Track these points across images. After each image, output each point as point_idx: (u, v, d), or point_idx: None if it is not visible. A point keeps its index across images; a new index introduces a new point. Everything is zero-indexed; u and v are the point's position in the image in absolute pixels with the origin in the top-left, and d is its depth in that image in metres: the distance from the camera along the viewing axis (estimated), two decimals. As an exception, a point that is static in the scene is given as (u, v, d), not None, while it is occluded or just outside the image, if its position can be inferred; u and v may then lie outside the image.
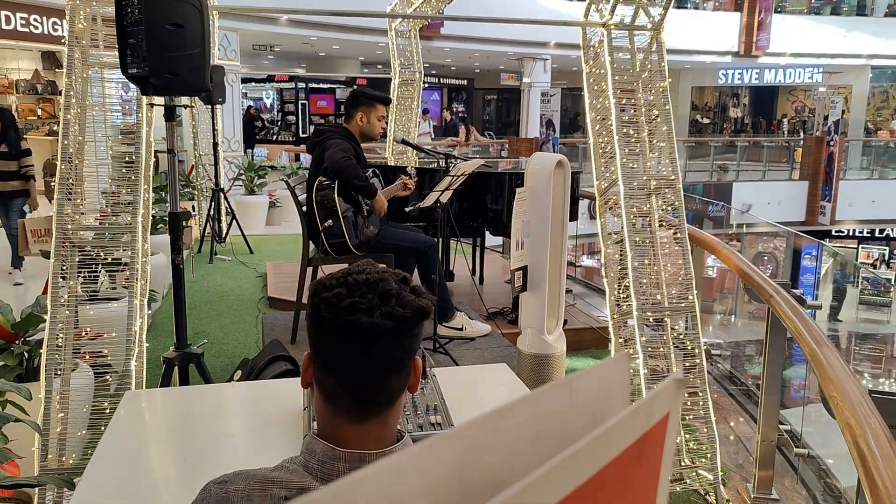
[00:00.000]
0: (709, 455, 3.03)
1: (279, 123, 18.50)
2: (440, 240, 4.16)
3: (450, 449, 0.32)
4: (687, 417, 3.13)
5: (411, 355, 1.05)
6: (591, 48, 3.40)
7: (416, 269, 3.94)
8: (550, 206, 2.84)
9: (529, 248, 2.88)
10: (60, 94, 3.04)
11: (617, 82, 3.25)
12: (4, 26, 9.51)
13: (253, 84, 19.75)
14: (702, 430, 3.07)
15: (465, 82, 23.07)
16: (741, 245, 13.22)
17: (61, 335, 2.54)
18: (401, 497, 0.29)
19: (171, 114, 2.36)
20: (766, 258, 13.18)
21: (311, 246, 3.81)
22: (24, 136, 6.45)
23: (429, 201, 3.62)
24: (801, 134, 21.71)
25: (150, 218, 2.74)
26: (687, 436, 3.07)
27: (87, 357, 2.79)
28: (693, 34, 18.51)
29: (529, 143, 13.58)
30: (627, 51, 3.34)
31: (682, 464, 3.06)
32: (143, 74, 2.18)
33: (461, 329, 3.98)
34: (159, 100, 2.41)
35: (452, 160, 3.95)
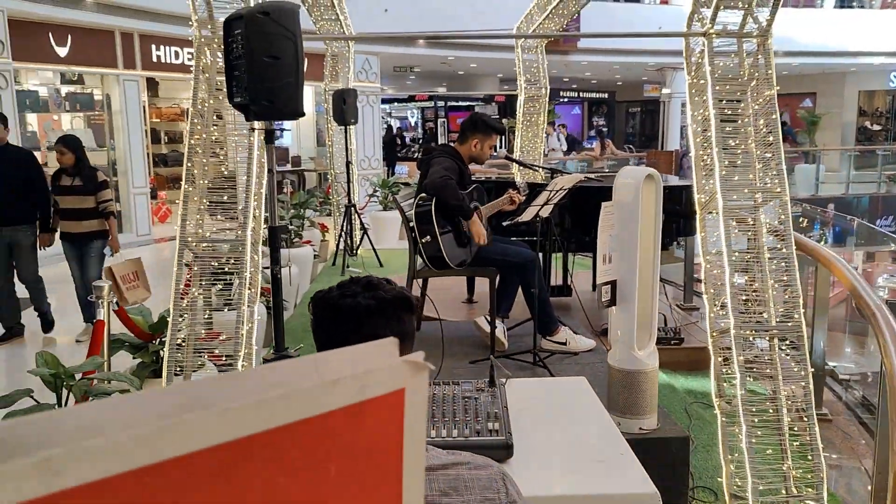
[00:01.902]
0: (815, 484, 2.84)
1: (420, 141, 19.14)
2: (547, 253, 4.19)
3: (187, 390, 0.41)
4: (794, 444, 2.96)
5: (402, 342, 1.18)
6: (694, 58, 3.32)
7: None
8: (640, 220, 2.81)
9: (617, 262, 2.86)
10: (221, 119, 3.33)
11: (719, 92, 3.15)
12: (174, 60, 10.63)
13: (396, 104, 20.59)
14: (808, 457, 2.88)
15: (605, 95, 22.71)
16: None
17: (181, 336, 2.85)
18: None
19: (269, 137, 2.60)
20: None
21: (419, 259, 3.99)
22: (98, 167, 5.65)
23: (528, 216, 3.68)
24: None
25: (261, 231, 3.00)
26: (792, 462, 2.90)
27: (208, 357, 3.10)
28: (859, 35, 17.15)
29: (669, 157, 13.17)
30: (733, 56, 3.24)
31: (788, 492, 2.89)
32: (245, 102, 2.43)
33: (565, 343, 3.99)
34: (260, 124, 2.66)
35: (558, 174, 3.98)
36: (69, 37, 9.20)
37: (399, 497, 0.48)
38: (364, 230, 7.75)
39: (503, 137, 17.79)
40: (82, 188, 5.29)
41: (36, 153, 9.63)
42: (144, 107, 11.06)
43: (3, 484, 0.33)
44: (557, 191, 3.60)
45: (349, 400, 0.43)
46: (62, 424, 0.38)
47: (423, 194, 3.68)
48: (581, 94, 22.18)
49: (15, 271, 5.44)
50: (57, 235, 5.54)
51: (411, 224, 3.79)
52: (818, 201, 13.72)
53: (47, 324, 5.69)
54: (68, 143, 5.37)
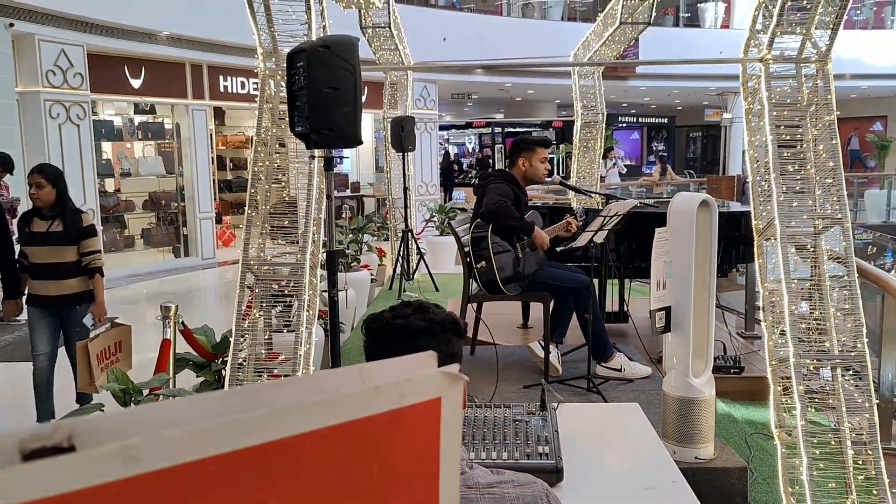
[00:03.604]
0: (881, 521, 2.73)
1: (476, 167, 19.31)
2: (602, 279, 4.18)
3: (246, 392, 0.47)
4: (858, 478, 2.86)
5: (451, 363, 1.23)
6: (751, 84, 3.30)
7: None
8: (694, 246, 2.79)
9: (672, 288, 2.84)
10: (283, 147, 3.43)
11: (776, 117, 3.12)
12: (240, 91, 11.04)
13: (454, 130, 20.83)
14: (873, 492, 2.78)
15: (665, 120, 22.47)
16: None
17: (242, 356, 2.95)
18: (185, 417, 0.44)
19: (328, 164, 2.70)
20: None
21: (474, 284, 4.03)
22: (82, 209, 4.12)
23: (582, 241, 3.69)
24: None
25: (319, 255, 3.10)
26: (857, 497, 2.80)
27: (266, 377, 3.19)
28: (931, 56, 16.55)
29: (730, 182, 12.91)
30: (792, 81, 3.20)
31: (852, 528, 2.79)
32: (306, 131, 2.53)
33: (620, 370, 3.95)
34: (320, 152, 2.77)
35: (613, 200, 3.99)
36: (143, 69, 9.67)
37: (436, 496, 0.52)
38: (421, 255, 7.85)
39: (561, 163, 17.76)
40: (62, 235, 3.82)
41: (109, 180, 10.22)
42: (211, 135, 11.50)
43: (90, 466, 0.38)
44: (612, 217, 3.60)
45: (390, 406, 0.48)
46: (141, 418, 0.43)
47: (479, 220, 3.73)
48: (640, 120, 22.01)
49: None
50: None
51: (466, 249, 3.84)
52: (890, 228, 13.22)
53: None
54: (48, 172, 3.86)
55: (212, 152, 11.39)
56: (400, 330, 1.25)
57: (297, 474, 0.45)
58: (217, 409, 0.45)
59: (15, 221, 4.02)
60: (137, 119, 10.72)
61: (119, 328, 3.78)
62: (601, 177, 8.68)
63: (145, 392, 2.66)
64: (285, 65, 2.70)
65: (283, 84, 3.17)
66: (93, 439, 0.41)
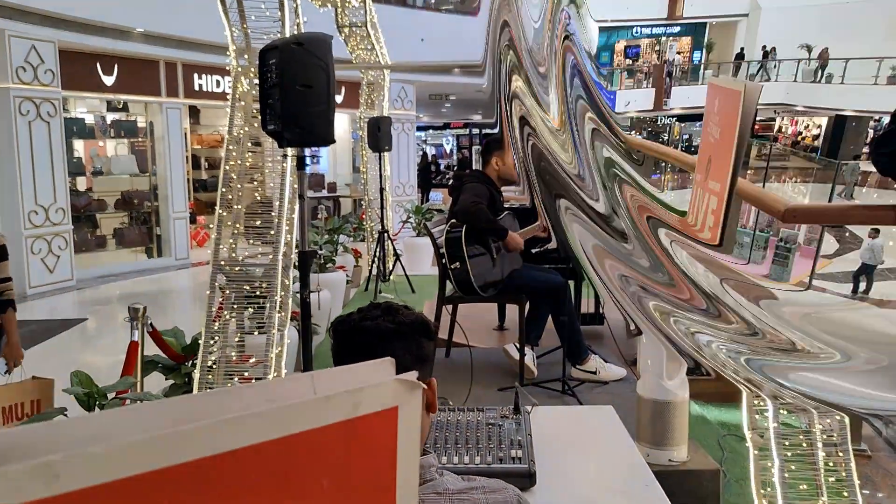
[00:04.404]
0: (852, 523, 2.75)
1: (454, 168, 19.31)
2: (578, 280, 4.18)
3: (185, 403, 0.43)
4: (829, 480, 2.88)
5: (421, 366, 1.21)
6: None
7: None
8: (669, 248, 2.79)
9: (646, 290, 2.84)
10: (258, 146, 3.31)
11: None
12: (215, 89, 10.92)
13: (432, 131, 20.82)
14: (844, 494, 2.80)
15: (642, 124, 22.64)
16: None
17: (212, 358, 2.90)
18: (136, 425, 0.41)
19: (300, 163, 2.66)
20: None
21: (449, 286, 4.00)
22: None
23: (557, 242, 3.68)
24: None
25: (292, 256, 3.05)
26: (828, 499, 2.82)
27: (238, 380, 3.14)
28: None
29: (705, 185, 13.01)
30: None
31: (823, 530, 2.81)
32: (278, 130, 2.49)
33: (595, 372, 3.95)
34: (292, 151, 2.72)
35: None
36: (116, 66, 9.52)
37: (391, 512, 0.49)
38: (397, 256, 7.81)
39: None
40: None
41: (80, 178, 10.04)
42: (186, 133, 11.35)
43: (5, 485, 0.35)
44: (587, 218, 3.59)
45: (342, 416, 0.45)
46: (67, 432, 0.40)
47: (454, 220, 3.71)
48: (616, 122, 22.18)
49: None
50: None
51: (441, 250, 3.81)
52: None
53: None
54: None
55: (186, 151, 11.24)
56: (368, 332, 1.22)
57: (236, 492, 0.41)
58: (152, 423, 0.42)
59: None
60: (110, 117, 10.55)
61: (39, 383, 2.99)
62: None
63: (110, 396, 2.59)
64: (258, 62, 2.66)
65: (256, 82, 3.12)
66: (12, 455, 0.38)
